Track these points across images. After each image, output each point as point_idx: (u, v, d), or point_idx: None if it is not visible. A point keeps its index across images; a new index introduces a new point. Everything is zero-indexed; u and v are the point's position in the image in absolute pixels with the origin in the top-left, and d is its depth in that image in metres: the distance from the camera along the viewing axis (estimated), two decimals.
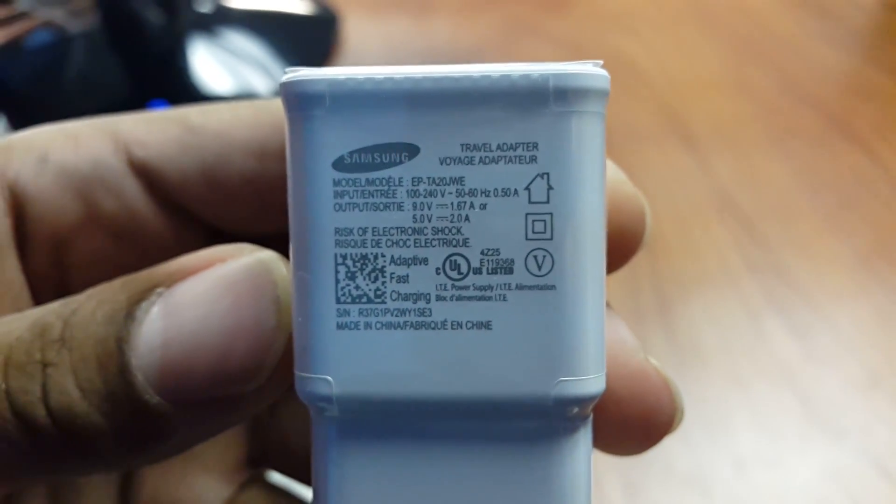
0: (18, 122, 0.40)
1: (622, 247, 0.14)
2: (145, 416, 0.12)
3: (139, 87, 0.42)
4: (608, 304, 0.14)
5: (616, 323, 0.14)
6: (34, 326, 0.12)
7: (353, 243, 0.11)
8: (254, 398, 0.12)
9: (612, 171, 0.14)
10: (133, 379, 0.12)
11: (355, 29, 0.50)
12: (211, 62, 0.43)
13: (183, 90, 0.42)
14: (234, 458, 0.18)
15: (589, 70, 0.11)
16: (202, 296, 0.12)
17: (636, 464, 0.28)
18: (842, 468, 0.27)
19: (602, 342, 0.11)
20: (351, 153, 0.11)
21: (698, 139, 0.42)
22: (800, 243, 0.36)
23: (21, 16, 0.42)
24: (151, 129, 0.15)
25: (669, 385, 0.14)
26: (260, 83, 0.43)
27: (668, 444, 0.28)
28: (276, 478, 0.19)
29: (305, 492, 0.18)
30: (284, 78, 0.11)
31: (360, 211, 0.11)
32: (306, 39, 0.48)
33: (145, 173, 0.15)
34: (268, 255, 0.12)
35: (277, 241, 0.14)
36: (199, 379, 0.12)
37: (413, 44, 0.50)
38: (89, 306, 0.12)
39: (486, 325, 0.11)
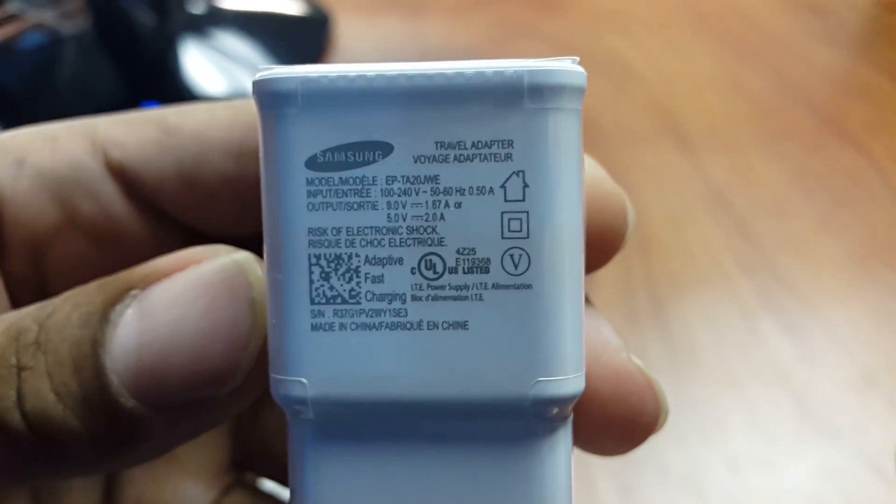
0: (10, 125, 0.40)
1: (604, 245, 0.14)
2: (121, 420, 0.12)
3: (131, 89, 0.42)
4: (592, 304, 0.14)
5: (599, 322, 0.14)
6: (10, 330, 0.12)
7: (326, 243, 0.11)
8: (230, 400, 0.12)
9: (593, 168, 0.14)
10: (108, 382, 0.11)
11: (347, 30, 0.50)
12: (203, 63, 0.43)
13: (175, 91, 0.42)
14: (218, 462, 0.18)
15: (564, 66, 0.11)
16: (177, 298, 0.12)
17: (631, 465, 0.27)
18: (836, 468, 0.27)
19: (581, 341, 0.11)
20: (324, 152, 0.11)
21: (692, 139, 0.42)
22: (794, 243, 0.36)
23: (12, 18, 0.42)
24: (128, 131, 0.15)
25: (653, 385, 0.14)
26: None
27: (663, 445, 0.28)
28: (263, 482, 0.19)
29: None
30: (257, 76, 0.11)
31: (334, 210, 0.11)
32: (298, 40, 0.48)
33: (123, 175, 0.15)
34: (243, 257, 0.12)
35: (257, 241, 0.14)
36: (175, 381, 0.12)
37: (406, 45, 0.50)
38: (65, 309, 0.12)
39: (463, 325, 0.11)
